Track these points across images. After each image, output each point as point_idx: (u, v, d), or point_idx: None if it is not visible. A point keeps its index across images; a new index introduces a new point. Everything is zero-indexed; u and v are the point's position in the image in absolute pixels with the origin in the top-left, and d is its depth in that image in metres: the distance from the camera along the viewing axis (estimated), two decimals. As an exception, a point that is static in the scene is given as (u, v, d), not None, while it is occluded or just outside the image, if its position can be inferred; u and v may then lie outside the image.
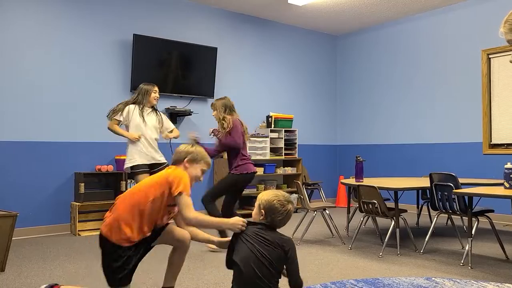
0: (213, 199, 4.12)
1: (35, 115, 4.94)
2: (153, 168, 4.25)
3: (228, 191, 4.22)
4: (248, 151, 4.37)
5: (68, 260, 3.77)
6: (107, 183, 5.23)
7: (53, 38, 5.08)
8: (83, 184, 4.90)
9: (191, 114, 6.00)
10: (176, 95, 5.94)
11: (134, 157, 4.22)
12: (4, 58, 4.76)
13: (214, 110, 4.31)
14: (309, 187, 6.79)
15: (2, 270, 3.40)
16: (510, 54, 1.64)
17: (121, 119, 4.27)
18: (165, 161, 4.37)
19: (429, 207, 4.83)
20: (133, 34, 5.51)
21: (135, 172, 4.21)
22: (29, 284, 3.09)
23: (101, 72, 5.41)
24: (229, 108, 4.28)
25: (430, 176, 4.02)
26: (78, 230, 4.93)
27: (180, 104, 5.99)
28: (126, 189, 5.16)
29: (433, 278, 3.16)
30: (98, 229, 5.09)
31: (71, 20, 5.20)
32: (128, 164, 4.24)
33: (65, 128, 5.13)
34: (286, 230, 2.96)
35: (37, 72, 4.97)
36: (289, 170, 6.77)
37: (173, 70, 5.89)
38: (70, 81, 5.18)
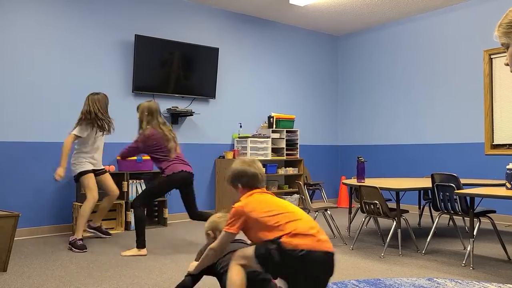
0: (144, 204, 4.04)
1: (36, 115, 4.95)
2: (94, 173, 4.43)
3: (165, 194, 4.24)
4: (176, 154, 4.11)
5: (70, 260, 3.77)
6: (109, 183, 5.22)
7: (54, 38, 5.09)
8: (84, 184, 4.90)
9: (192, 115, 6.01)
10: (177, 95, 5.94)
11: (85, 164, 4.34)
12: (5, 58, 4.77)
13: (138, 112, 4.21)
14: (310, 188, 6.79)
15: (4, 270, 3.40)
16: (505, 57, 1.63)
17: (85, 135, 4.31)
18: (103, 167, 4.58)
19: (431, 207, 4.83)
20: (135, 34, 5.52)
21: (82, 174, 4.32)
22: (31, 284, 3.10)
23: (102, 72, 5.41)
24: (151, 113, 4.11)
25: (432, 176, 4.01)
26: (80, 231, 4.92)
27: (181, 105, 6.00)
28: (128, 189, 5.17)
29: (434, 279, 3.15)
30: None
31: (72, 21, 5.21)
32: (78, 170, 4.33)
33: (66, 128, 5.12)
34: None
35: (38, 72, 4.97)
36: (291, 171, 6.77)
37: (174, 70, 5.89)
38: (71, 82, 5.19)
